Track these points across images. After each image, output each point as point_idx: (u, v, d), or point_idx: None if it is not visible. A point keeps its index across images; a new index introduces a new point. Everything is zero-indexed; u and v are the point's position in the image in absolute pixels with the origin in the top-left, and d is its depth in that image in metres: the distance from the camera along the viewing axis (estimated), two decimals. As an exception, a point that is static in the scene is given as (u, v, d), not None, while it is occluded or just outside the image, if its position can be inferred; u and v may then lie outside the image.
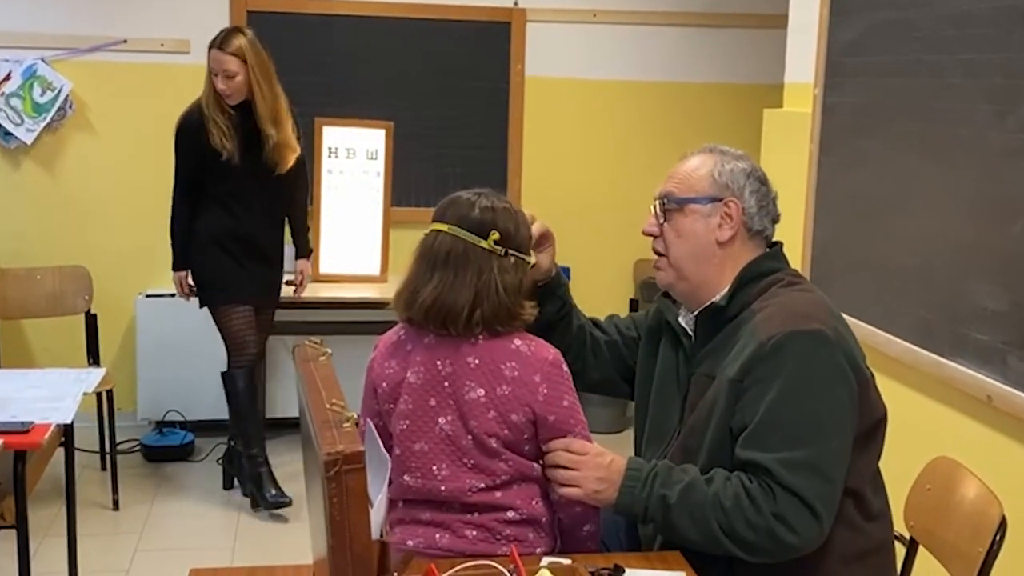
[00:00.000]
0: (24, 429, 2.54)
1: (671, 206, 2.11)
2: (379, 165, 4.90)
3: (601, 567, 1.88)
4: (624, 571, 1.87)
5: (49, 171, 4.97)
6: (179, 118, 4.13)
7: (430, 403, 2.04)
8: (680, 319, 2.18)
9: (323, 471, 1.08)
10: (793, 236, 3.49)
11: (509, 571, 1.60)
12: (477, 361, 2.03)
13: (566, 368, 2.09)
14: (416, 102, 5.12)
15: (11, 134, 4.84)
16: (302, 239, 4.45)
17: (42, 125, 4.85)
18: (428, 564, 1.59)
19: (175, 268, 4.23)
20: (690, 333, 2.15)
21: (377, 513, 1.23)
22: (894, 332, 2.95)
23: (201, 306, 4.26)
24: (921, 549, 2.26)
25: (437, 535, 2.04)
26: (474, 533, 2.02)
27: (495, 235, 2.08)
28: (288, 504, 4.16)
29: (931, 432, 2.81)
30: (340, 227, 4.88)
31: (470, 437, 2.02)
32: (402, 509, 2.10)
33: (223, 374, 4.27)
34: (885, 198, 3.02)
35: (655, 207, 2.15)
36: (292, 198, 4.33)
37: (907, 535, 2.29)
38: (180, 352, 4.84)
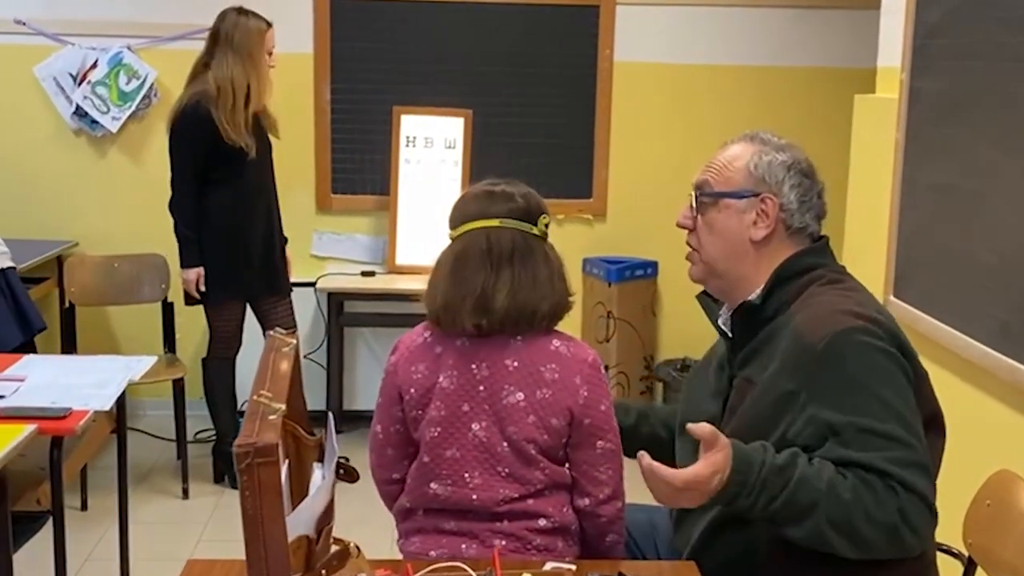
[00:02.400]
0: (62, 415, 2.62)
1: (705, 199, 2.05)
2: (457, 154, 4.92)
3: (605, 575, 1.85)
4: (627, 580, 1.84)
5: (134, 159, 5.14)
6: (181, 112, 4.13)
7: (463, 408, 1.99)
8: (720, 320, 2.13)
9: (235, 463, 1.09)
10: (878, 230, 3.38)
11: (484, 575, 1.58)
12: (516, 364, 1.99)
13: (603, 370, 2.05)
14: (498, 89, 5.12)
15: (97, 122, 5.02)
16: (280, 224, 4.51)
17: (127, 113, 5.02)
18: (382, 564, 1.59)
19: (191, 264, 4.19)
20: (729, 334, 2.10)
21: (311, 508, 1.23)
22: (972, 334, 2.82)
23: (191, 303, 4.29)
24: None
25: (463, 545, 2.01)
26: (503, 543, 1.99)
27: (545, 219, 2.06)
28: None
29: (1006, 442, 2.68)
30: (417, 218, 4.92)
31: (506, 444, 1.98)
32: (422, 518, 2.07)
33: (204, 361, 4.42)
34: (967, 191, 2.90)
35: (691, 198, 2.10)
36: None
37: (966, 553, 2.19)
38: (258, 341, 4.95)
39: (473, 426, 1.99)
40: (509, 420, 1.97)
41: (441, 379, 2.00)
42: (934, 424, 1.98)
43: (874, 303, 1.99)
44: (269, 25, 4.19)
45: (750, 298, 2.02)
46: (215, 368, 4.41)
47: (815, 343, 1.86)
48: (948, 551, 2.20)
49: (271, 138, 4.30)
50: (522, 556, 1.98)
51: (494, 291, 1.98)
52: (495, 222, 2.02)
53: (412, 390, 2.03)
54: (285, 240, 4.49)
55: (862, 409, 1.82)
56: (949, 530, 2.17)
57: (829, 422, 1.84)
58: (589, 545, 2.10)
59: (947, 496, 2.07)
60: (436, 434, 2.00)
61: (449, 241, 2.10)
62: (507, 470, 1.99)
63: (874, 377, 1.84)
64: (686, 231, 2.11)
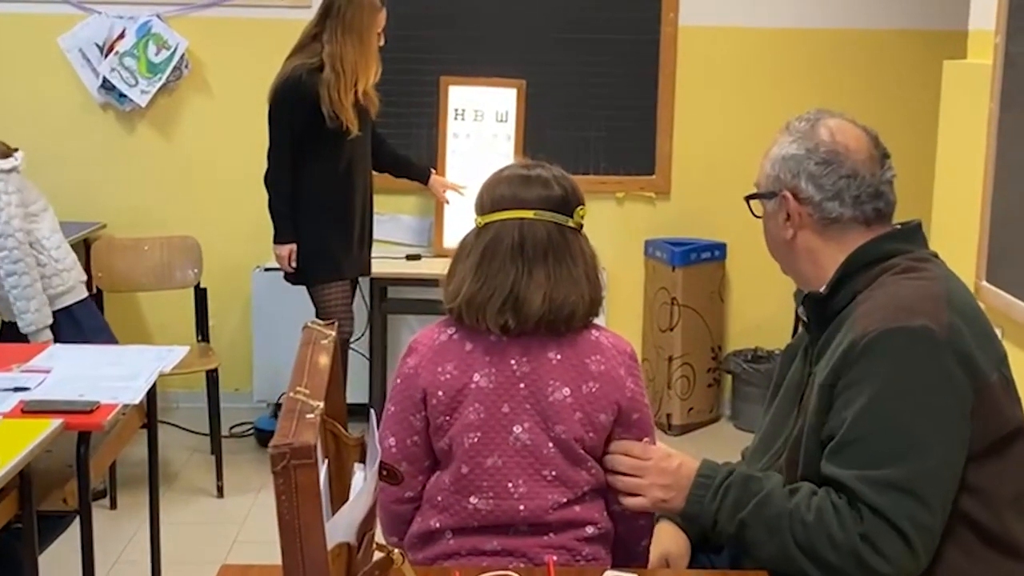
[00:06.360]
0: (89, 409, 2.64)
1: (752, 200, 2.06)
2: (509, 128, 4.91)
3: (670, 585, 1.83)
4: (693, 590, 1.82)
5: (164, 135, 5.18)
6: (284, 82, 4.20)
7: (503, 410, 1.96)
8: (799, 310, 2.10)
9: (271, 465, 1.09)
10: (969, 208, 3.32)
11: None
12: (559, 356, 1.98)
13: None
14: (553, 58, 5.09)
15: (125, 96, 5.06)
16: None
17: (157, 86, 5.06)
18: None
19: (284, 241, 4.31)
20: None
21: (351, 513, 1.22)
22: (1075, 323, 2.77)
23: (297, 283, 4.37)
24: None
25: (511, 566, 1.95)
26: (555, 558, 1.94)
27: (581, 210, 2.04)
28: None
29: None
30: (466, 197, 4.91)
31: (552, 445, 1.96)
32: (453, 541, 2.00)
33: None
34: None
35: None
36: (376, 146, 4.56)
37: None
38: (298, 330, 4.96)
39: (515, 429, 1.95)
40: (556, 418, 1.95)
41: (477, 378, 1.97)
42: (1014, 439, 1.90)
43: (950, 295, 1.90)
44: (383, 4, 4.23)
45: (819, 290, 2.00)
46: None
47: (859, 338, 1.83)
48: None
49: (371, 117, 4.42)
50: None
51: (527, 291, 1.96)
52: (529, 213, 1.99)
53: (440, 393, 1.97)
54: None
55: (869, 419, 1.80)
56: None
57: (838, 424, 1.83)
58: (622, 549, 2.08)
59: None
60: (475, 440, 1.96)
61: (475, 226, 2.06)
62: (553, 473, 1.96)
63: (902, 389, 1.80)
64: None
